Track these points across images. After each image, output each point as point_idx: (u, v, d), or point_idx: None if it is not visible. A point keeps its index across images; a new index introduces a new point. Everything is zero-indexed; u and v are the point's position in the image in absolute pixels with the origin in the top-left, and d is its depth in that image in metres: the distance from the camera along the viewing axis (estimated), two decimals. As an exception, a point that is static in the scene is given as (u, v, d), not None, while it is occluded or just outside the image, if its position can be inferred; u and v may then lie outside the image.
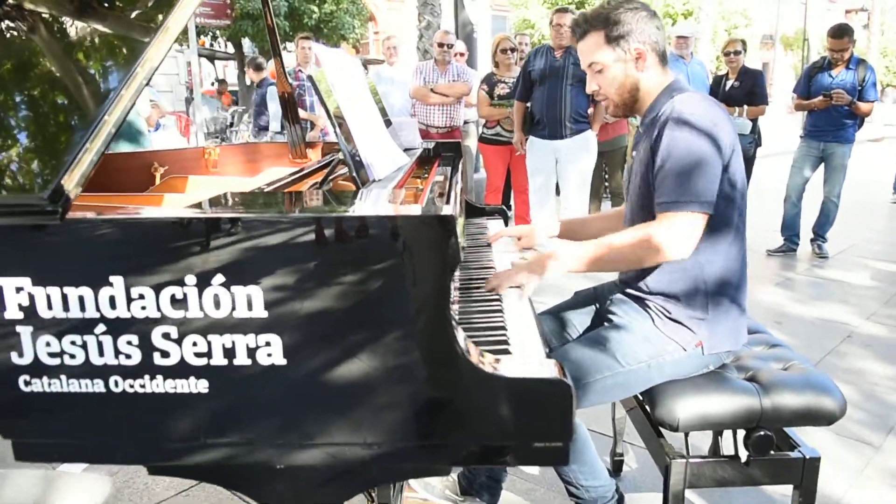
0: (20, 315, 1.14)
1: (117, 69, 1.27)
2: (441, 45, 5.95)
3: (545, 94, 4.99)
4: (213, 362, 1.13)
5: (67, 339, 1.14)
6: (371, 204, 1.19)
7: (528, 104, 5.17)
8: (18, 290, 1.13)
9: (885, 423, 2.85)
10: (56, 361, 1.15)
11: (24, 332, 1.14)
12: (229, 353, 1.13)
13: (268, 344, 1.12)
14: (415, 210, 1.14)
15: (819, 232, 5.79)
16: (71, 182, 1.09)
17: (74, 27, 1.34)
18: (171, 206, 1.84)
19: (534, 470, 2.51)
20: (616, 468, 2.51)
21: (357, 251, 1.09)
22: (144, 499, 2.35)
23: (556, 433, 1.14)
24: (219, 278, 1.10)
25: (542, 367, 1.16)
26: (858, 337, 3.89)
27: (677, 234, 1.65)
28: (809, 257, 5.75)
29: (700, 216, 1.65)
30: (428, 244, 1.07)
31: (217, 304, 1.11)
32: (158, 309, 1.12)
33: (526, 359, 1.28)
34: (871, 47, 27.35)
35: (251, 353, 1.12)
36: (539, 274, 1.69)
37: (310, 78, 1.36)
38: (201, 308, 1.11)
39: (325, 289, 1.09)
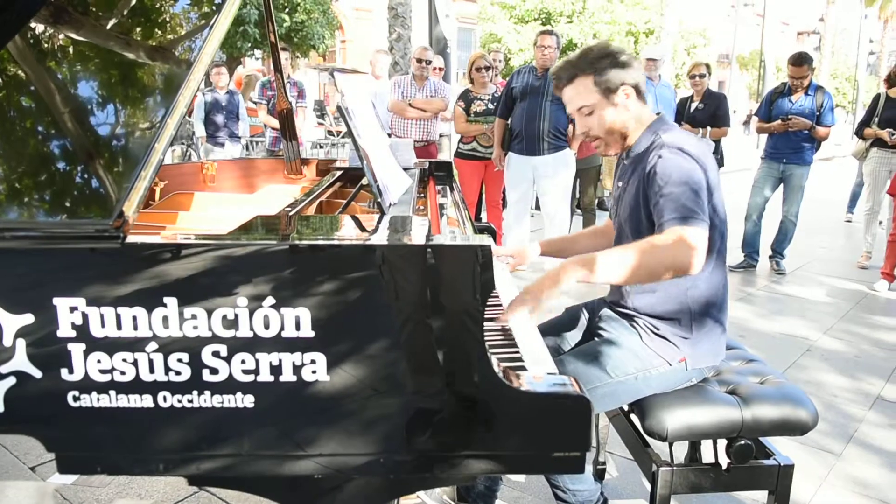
0: (73, 333, 1.20)
1: (162, 99, 1.34)
2: (419, 60, 6.06)
3: (525, 111, 5.15)
4: (260, 378, 1.21)
5: (119, 356, 1.21)
6: (411, 232, 1.28)
7: (509, 121, 5.32)
8: (73, 309, 1.19)
9: (845, 433, 3.04)
10: (106, 378, 1.22)
11: (76, 349, 1.21)
12: (276, 370, 1.21)
13: (313, 362, 1.20)
14: (460, 240, 1.22)
15: (778, 249, 6.06)
16: (130, 208, 1.16)
17: (124, 61, 1.41)
18: (188, 224, 1.90)
19: (520, 478, 2.62)
20: (599, 476, 2.63)
21: (405, 277, 1.19)
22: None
23: (575, 443, 1.26)
24: (269, 300, 1.18)
25: (563, 383, 1.27)
26: (817, 350, 4.11)
27: (689, 246, 1.66)
28: (768, 273, 6.01)
29: (704, 229, 1.70)
30: (469, 272, 1.17)
31: (266, 325, 1.19)
32: (209, 328, 1.19)
33: (543, 374, 1.38)
34: (822, 69, 28.42)
35: (297, 370, 1.21)
36: (550, 292, 1.64)
37: (339, 108, 1.44)
38: (251, 328, 1.19)
39: (375, 312, 1.19)
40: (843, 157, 17.69)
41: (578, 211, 6.71)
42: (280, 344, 1.20)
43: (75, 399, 1.23)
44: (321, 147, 12.54)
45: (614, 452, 2.74)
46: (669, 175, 1.76)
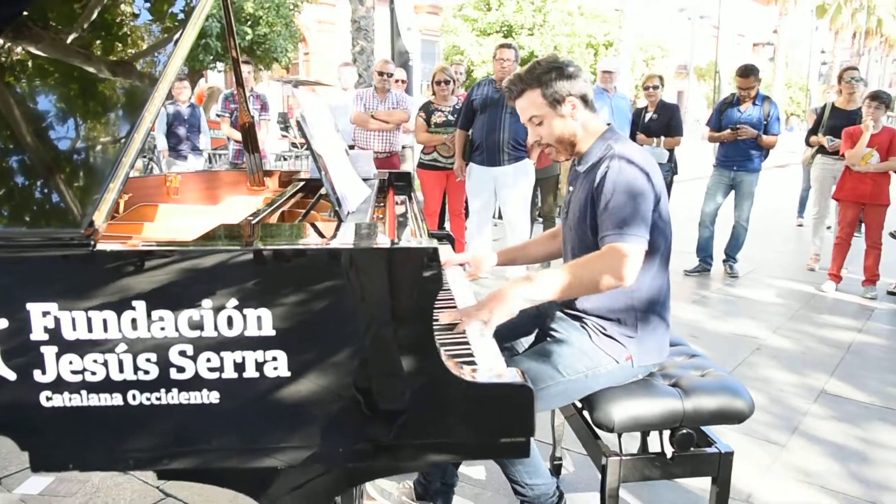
0: (45, 336, 1.27)
1: (129, 113, 1.42)
2: (381, 73, 6.17)
3: (485, 123, 5.29)
4: (225, 375, 1.30)
5: (90, 357, 1.28)
6: (367, 238, 1.37)
7: (470, 132, 5.45)
8: (45, 314, 1.26)
9: (790, 425, 3.20)
10: (78, 378, 1.29)
11: (49, 351, 1.28)
12: (239, 367, 1.29)
13: (275, 359, 1.29)
14: (412, 243, 1.32)
15: (730, 253, 6.28)
16: (100, 217, 1.24)
17: (93, 76, 1.49)
18: (153, 234, 1.97)
19: (481, 475, 2.72)
20: (555, 471, 2.75)
21: (360, 279, 1.28)
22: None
23: (520, 429, 1.36)
24: (233, 302, 1.26)
25: (508, 375, 1.38)
26: (766, 349, 4.30)
27: (623, 264, 1.85)
28: (722, 277, 6.22)
29: (641, 246, 1.89)
30: (418, 272, 1.27)
31: (230, 325, 1.27)
32: (176, 329, 1.27)
33: (492, 368, 1.49)
34: (777, 79, 29.32)
35: (259, 366, 1.29)
36: (500, 313, 1.82)
37: (297, 121, 1.54)
38: (216, 328, 1.27)
39: (333, 312, 1.28)
40: (797, 165, 18.26)
41: (539, 219, 6.86)
42: (243, 343, 1.28)
43: (48, 399, 1.30)
44: (285, 159, 12.55)
45: (570, 449, 2.85)
46: (616, 187, 1.91)
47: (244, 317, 1.27)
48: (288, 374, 1.30)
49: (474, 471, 2.73)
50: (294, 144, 13.51)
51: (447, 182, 5.98)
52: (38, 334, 1.27)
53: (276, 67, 16.32)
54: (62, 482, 2.56)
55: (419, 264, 1.27)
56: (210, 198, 2.92)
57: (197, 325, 1.27)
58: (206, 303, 1.27)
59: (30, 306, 1.25)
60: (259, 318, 1.27)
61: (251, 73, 6.89)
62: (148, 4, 1.64)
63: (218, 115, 7.45)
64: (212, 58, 13.54)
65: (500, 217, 6.31)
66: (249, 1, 13.61)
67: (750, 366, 3.98)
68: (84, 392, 1.30)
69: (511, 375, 1.39)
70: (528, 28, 17.45)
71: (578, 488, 2.67)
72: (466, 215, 6.19)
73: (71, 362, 1.28)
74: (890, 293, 5.63)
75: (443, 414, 1.34)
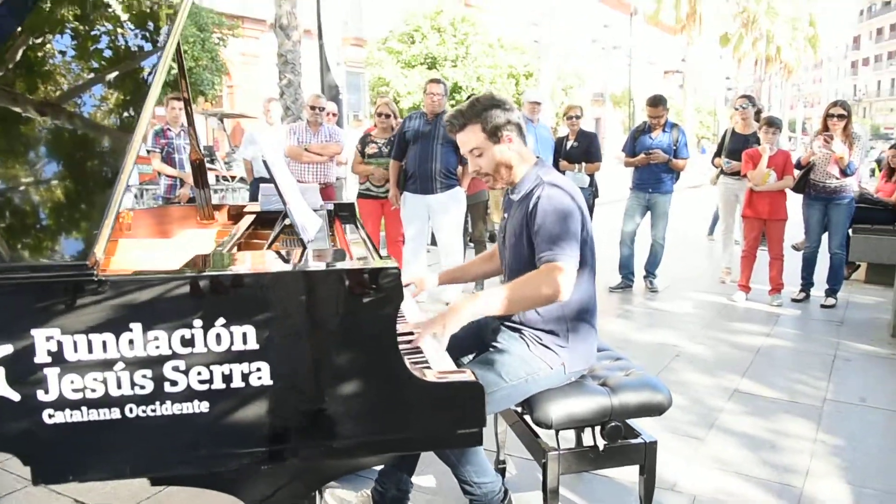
0: (49, 359, 1.41)
1: (115, 153, 1.58)
2: (313, 107, 6.36)
3: (418, 153, 5.54)
4: (214, 387, 1.46)
5: (90, 376, 1.42)
6: (333, 260, 1.57)
7: (404, 163, 5.69)
8: (49, 338, 1.40)
9: (707, 422, 3.53)
10: (78, 396, 1.43)
11: (52, 372, 1.41)
12: (227, 378, 1.46)
13: (259, 370, 1.47)
14: (378, 263, 1.54)
15: (650, 270, 6.72)
16: (100, 249, 1.40)
17: (88, 125, 1.64)
18: (119, 267, 2.10)
19: (431, 483, 2.91)
20: (500, 473, 2.96)
21: (333, 296, 1.48)
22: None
23: (474, 421, 1.58)
24: (220, 320, 1.44)
25: (461, 374, 1.60)
26: (685, 355, 4.67)
27: (558, 281, 2.11)
28: (643, 292, 6.64)
29: (573, 264, 2.16)
30: (382, 288, 1.48)
31: (219, 341, 1.45)
32: (170, 347, 1.43)
33: (445, 370, 1.71)
34: (687, 104, 30.99)
35: (245, 377, 1.47)
36: (453, 324, 2.05)
37: (265, 162, 1.73)
38: (206, 344, 1.44)
39: (309, 325, 1.47)
40: (708, 185, 19.37)
41: (471, 244, 7.14)
42: (231, 356, 1.45)
43: (50, 416, 1.43)
44: (215, 192, 12.48)
45: (512, 454, 3.08)
46: (547, 214, 2.18)
47: (231, 333, 1.45)
48: (271, 382, 1.48)
49: (425, 479, 2.92)
50: (224, 178, 13.44)
51: (383, 210, 6.19)
52: (41, 357, 1.40)
53: (200, 100, 16.22)
54: None
55: (387, 280, 1.48)
56: (161, 232, 3.03)
57: (188, 343, 1.44)
58: (197, 322, 1.43)
59: (34, 332, 1.39)
60: (244, 333, 1.45)
61: (181, 110, 6.94)
62: (120, 63, 1.80)
63: (148, 151, 7.45)
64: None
65: (434, 243, 6.55)
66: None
67: (671, 371, 4.33)
68: (84, 408, 1.43)
69: (464, 375, 1.61)
70: (451, 60, 17.97)
71: (521, 488, 2.89)
72: (403, 241, 6.41)
73: (72, 381, 1.42)
74: (794, 300, 6.15)
75: (407, 412, 1.54)
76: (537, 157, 2.40)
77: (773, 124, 6.01)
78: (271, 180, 1.84)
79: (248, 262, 1.70)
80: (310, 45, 11.40)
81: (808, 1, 35.77)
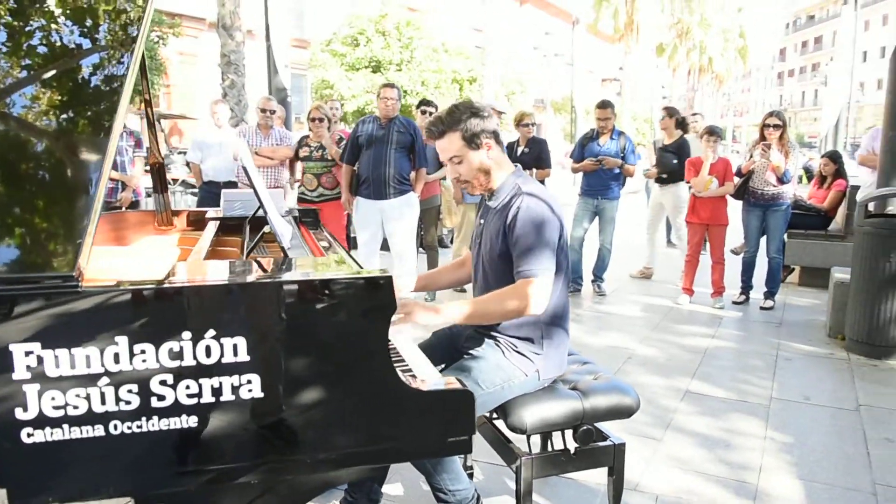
0: (28, 375, 1.35)
1: (93, 163, 1.53)
2: (263, 110, 6.26)
3: (371, 158, 5.51)
4: (203, 401, 1.43)
5: (72, 392, 1.37)
6: (325, 270, 1.56)
7: (356, 167, 5.66)
8: (28, 353, 1.34)
9: (663, 422, 3.63)
10: (60, 413, 1.37)
11: (31, 389, 1.35)
12: (217, 391, 1.43)
13: (249, 382, 1.44)
14: (371, 273, 1.53)
15: (598, 274, 6.87)
16: (85, 259, 1.34)
17: (67, 134, 1.58)
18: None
19: (399, 491, 2.90)
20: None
21: (328, 304, 1.46)
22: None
23: (464, 429, 1.59)
24: (210, 332, 1.41)
25: (453, 382, 1.60)
26: (637, 357, 4.79)
27: (535, 296, 2.19)
28: (592, 296, 6.78)
29: (549, 278, 2.22)
30: (376, 296, 1.48)
31: (208, 353, 1.41)
32: (157, 360, 1.39)
33: (434, 378, 1.71)
34: (624, 112, 31.79)
35: (235, 390, 1.44)
36: (430, 315, 2.13)
37: (244, 168, 1.69)
38: (195, 357, 1.41)
39: (301, 335, 1.45)
40: (642, 191, 19.94)
41: (421, 250, 7.14)
42: (221, 368, 1.42)
43: (28, 436, 1.37)
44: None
45: (478, 460, 3.10)
46: (527, 226, 2.23)
47: (221, 345, 1.42)
48: (261, 394, 1.45)
49: (392, 487, 2.91)
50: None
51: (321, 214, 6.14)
52: (20, 373, 1.34)
53: (136, 100, 15.71)
54: None
55: (381, 289, 1.48)
56: (117, 239, 2.93)
57: (177, 356, 1.40)
58: (186, 334, 1.40)
59: (13, 347, 1.33)
60: (235, 345, 1.42)
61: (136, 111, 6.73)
62: (95, 74, 1.73)
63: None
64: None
65: (386, 248, 6.52)
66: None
67: (625, 373, 4.43)
68: (66, 426, 1.38)
69: (454, 383, 1.62)
70: (396, 64, 17.97)
71: (489, 494, 2.91)
72: (350, 246, 6.37)
73: (53, 398, 1.36)
74: (734, 303, 6.38)
75: (400, 421, 1.54)
76: (515, 165, 2.43)
77: (714, 133, 6.24)
78: (251, 187, 1.81)
79: (236, 271, 1.66)
80: (252, 46, 11.20)
81: (738, 13, 37.24)
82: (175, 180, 12.52)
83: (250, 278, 1.51)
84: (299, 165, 6.31)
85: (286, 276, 1.50)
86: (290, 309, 1.45)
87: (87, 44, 1.74)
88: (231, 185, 6.73)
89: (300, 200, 6.13)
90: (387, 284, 1.49)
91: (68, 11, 1.87)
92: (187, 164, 9.27)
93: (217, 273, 1.61)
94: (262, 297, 1.44)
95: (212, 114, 7.20)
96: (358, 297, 1.48)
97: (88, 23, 1.78)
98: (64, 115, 1.59)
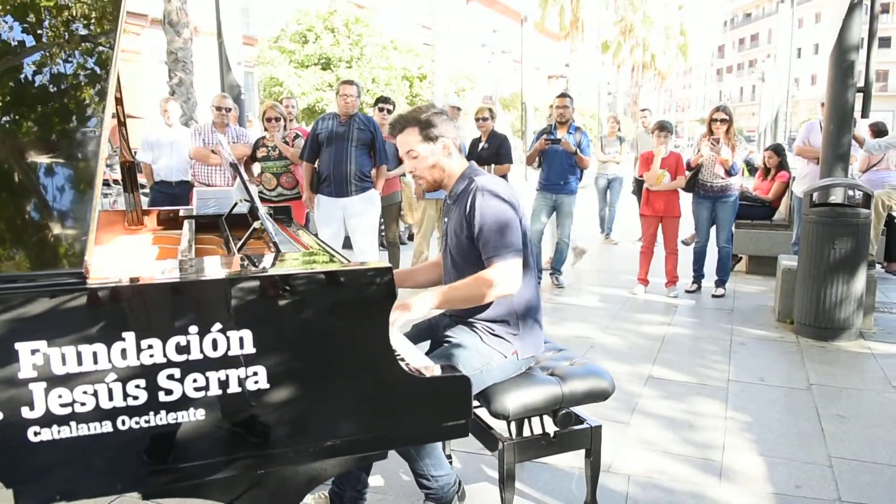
0: (34, 373, 1.35)
1: (89, 167, 1.53)
2: (219, 108, 6.19)
3: (332, 156, 5.51)
4: (210, 394, 1.45)
5: (79, 389, 1.37)
6: (325, 263, 1.59)
7: (317, 165, 5.64)
8: (34, 352, 1.34)
9: (629, 406, 3.77)
10: (67, 411, 1.37)
11: (37, 388, 1.35)
12: (224, 384, 1.45)
13: (255, 374, 1.47)
14: (373, 265, 1.58)
15: (556, 267, 7.01)
16: (90, 255, 1.35)
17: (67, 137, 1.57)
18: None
19: (380, 482, 2.94)
20: (448, 468, 3.04)
21: (334, 297, 1.50)
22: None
23: (461, 413, 1.65)
24: (217, 325, 1.43)
25: (447, 368, 1.66)
26: (599, 346, 4.93)
27: (508, 276, 2.28)
28: (550, 288, 6.91)
29: (518, 259, 2.29)
30: (378, 288, 1.52)
31: (215, 346, 1.43)
32: (164, 355, 1.41)
33: (428, 365, 1.76)
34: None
35: (241, 382, 1.46)
36: (408, 312, 2.18)
37: (233, 164, 1.71)
38: (201, 350, 1.43)
39: (308, 326, 1.48)
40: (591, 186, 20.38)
41: (383, 247, 7.17)
42: (227, 361, 1.45)
43: (35, 434, 1.36)
44: (106, 196, 11.79)
45: (456, 449, 3.16)
46: (485, 218, 2.32)
47: (227, 338, 1.44)
48: (268, 385, 1.48)
49: (373, 479, 2.94)
50: (106, 182, 12.67)
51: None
52: (26, 372, 1.34)
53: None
54: None
55: (382, 280, 1.53)
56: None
57: (184, 350, 1.42)
58: (193, 328, 1.42)
59: (18, 346, 1.33)
60: (241, 338, 1.45)
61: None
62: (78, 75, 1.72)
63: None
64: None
65: (347, 246, 6.53)
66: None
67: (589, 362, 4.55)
68: (73, 423, 1.38)
69: (448, 369, 1.67)
70: (346, 61, 17.88)
71: (469, 481, 2.98)
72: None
73: (60, 396, 1.36)
74: (687, 291, 6.61)
75: (400, 408, 1.59)
76: (469, 161, 2.53)
77: (665, 128, 6.45)
78: (242, 184, 1.83)
79: (241, 266, 1.68)
80: (199, 43, 10.97)
81: (679, 11, 38.20)
82: (116, 181, 12.18)
83: (259, 272, 1.53)
84: (257, 166, 6.26)
85: (295, 269, 1.53)
86: (297, 301, 1.48)
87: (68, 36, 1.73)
88: (184, 184, 6.62)
89: (259, 200, 6.10)
90: (389, 275, 1.53)
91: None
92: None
93: (220, 268, 1.63)
94: (271, 290, 1.47)
95: (162, 112, 7.06)
96: (363, 287, 1.52)
97: (66, 17, 1.77)
98: (55, 114, 1.58)
